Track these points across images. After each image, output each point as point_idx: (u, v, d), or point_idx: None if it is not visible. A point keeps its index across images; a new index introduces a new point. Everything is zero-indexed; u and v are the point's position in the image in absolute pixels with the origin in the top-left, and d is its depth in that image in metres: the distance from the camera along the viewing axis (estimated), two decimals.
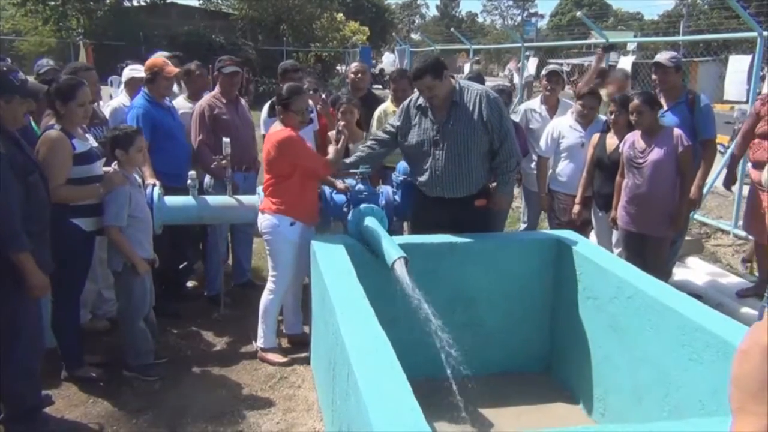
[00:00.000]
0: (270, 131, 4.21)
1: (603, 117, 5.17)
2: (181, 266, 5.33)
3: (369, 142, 4.38)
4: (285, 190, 4.08)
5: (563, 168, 5.19)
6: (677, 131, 4.48)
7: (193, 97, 5.41)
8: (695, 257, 6.24)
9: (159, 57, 4.89)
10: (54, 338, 3.91)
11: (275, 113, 4.24)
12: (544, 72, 5.95)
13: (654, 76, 5.10)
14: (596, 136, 4.98)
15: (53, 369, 3.85)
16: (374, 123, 5.28)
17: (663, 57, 5.04)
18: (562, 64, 30.41)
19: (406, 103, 4.25)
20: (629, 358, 3.28)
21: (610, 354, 3.46)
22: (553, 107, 5.74)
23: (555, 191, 5.26)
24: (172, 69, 4.75)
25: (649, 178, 4.43)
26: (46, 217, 3.29)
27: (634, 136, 4.56)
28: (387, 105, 5.46)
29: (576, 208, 5.00)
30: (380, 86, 27.40)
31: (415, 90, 4.26)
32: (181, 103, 5.41)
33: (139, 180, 4.12)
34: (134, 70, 5.37)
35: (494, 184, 4.20)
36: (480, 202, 4.11)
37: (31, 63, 20.62)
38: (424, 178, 4.11)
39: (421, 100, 4.10)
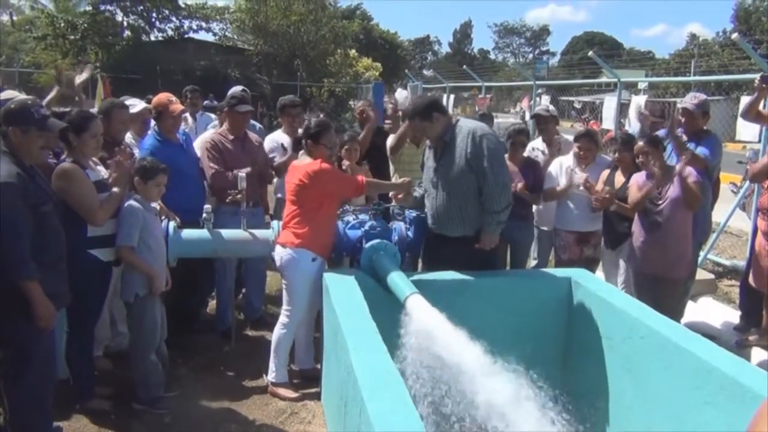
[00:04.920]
0: (295, 164, 4.27)
1: (605, 156, 5.23)
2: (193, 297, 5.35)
3: None
4: (310, 221, 4.11)
5: (563, 206, 5.21)
6: (687, 169, 4.49)
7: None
8: (709, 297, 6.20)
9: (163, 95, 4.92)
10: (67, 369, 3.93)
11: (301, 147, 4.31)
12: (531, 116, 6.06)
13: (681, 118, 5.06)
14: (605, 173, 5.02)
15: (65, 400, 3.85)
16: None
17: (690, 102, 5.02)
18: (572, 102, 30.66)
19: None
20: (642, 399, 3.26)
21: (623, 394, 3.43)
22: (551, 144, 5.85)
23: (556, 228, 5.28)
24: (177, 107, 4.79)
25: (666, 219, 4.42)
26: (59, 247, 3.32)
27: (643, 177, 4.55)
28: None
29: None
30: (391, 122, 27.58)
31: None
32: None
33: (156, 208, 4.18)
34: (133, 107, 5.40)
35: None
36: (481, 245, 4.13)
37: (47, 95, 20.99)
38: (429, 214, 4.25)
39: None
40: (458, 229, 4.11)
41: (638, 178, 4.61)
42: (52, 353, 3.41)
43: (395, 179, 5.44)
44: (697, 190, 4.39)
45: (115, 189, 3.80)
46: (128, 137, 5.23)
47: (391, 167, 5.77)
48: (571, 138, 5.67)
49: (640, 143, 4.53)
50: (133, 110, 5.25)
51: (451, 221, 4.10)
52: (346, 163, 5.04)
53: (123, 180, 3.83)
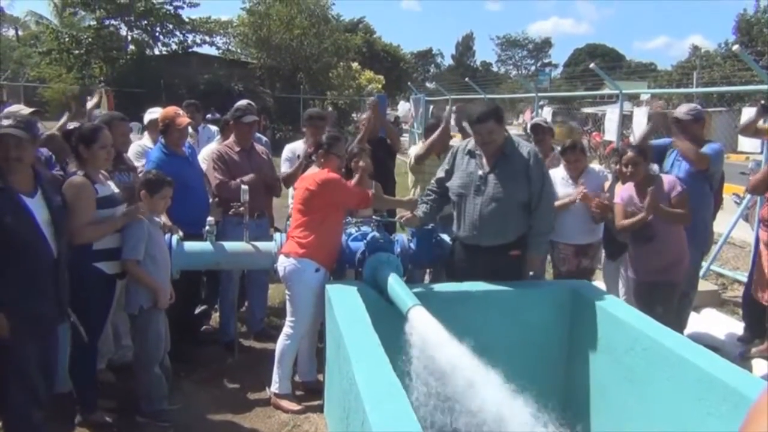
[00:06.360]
0: (305, 174, 4.35)
1: (596, 166, 5.24)
2: (197, 311, 5.36)
3: (433, 197, 4.40)
4: (315, 231, 4.13)
5: (561, 219, 5.19)
6: (670, 178, 4.51)
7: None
8: (712, 309, 6.18)
9: (171, 108, 4.97)
10: (70, 382, 3.92)
11: (312, 162, 4.41)
12: (528, 127, 6.10)
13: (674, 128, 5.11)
14: (607, 184, 5.03)
15: (68, 413, 3.86)
16: (412, 161, 5.65)
17: (680, 111, 5.07)
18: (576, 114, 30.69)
19: (455, 148, 4.36)
20: (645, 411, 3.25)
21: (626, 406, 3.42)
22: (546, 156, 5.88)
23: (554, 241, 5.26)
24: (183, 120, 4.82)
25: (656, 230, 4.42)
26: (35, 263, 3.19)
27: (629, 191, 4.56)
28: (418, 147, 5.69)
29: None
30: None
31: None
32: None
33: (160, 221, 4.20)
34: (152, 113, 5.54)
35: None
36: (515, 253, 4.12)
37: (53, 109, 21.12)
38: (462, 223, 4.16)
39: (471, 146, 4.19)
40: (498, 237, 4.08)
41: (624, 193, 4.61)
42: (27, 368, 3.24)
43: (415, 191, 5.47)
44: (679, 203, 4.41)
45: (120, 214, 3.81)
46: (146, 143, 5.34)
47: (411, 177, 5.77)
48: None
49: (630, 153, 4.53)
50: (151, 116, 5.48)
51: (494, 230, 4.06)
52: (356, 177, 5.06)
53: (131, 216, 3.84)
